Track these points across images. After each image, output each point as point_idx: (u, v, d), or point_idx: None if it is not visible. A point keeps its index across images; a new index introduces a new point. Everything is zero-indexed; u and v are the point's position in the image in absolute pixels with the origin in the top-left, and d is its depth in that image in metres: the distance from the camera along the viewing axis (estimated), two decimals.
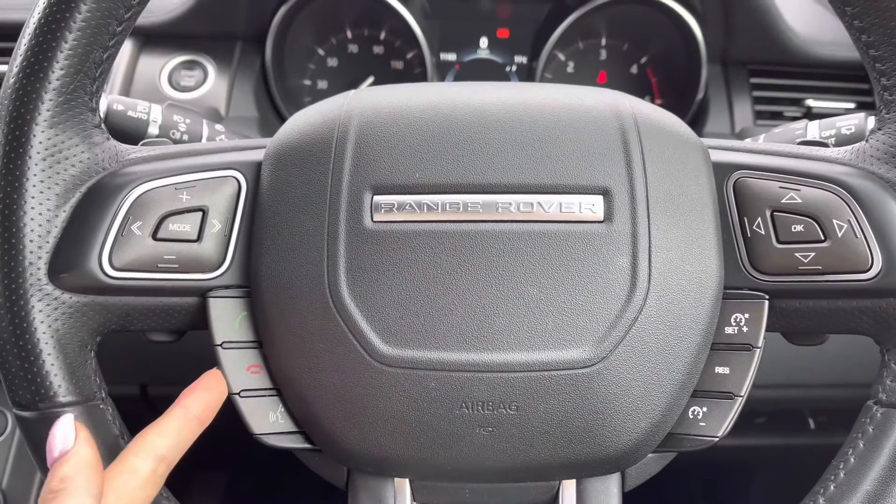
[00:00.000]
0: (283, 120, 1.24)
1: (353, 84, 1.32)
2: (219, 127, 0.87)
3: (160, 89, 1.15)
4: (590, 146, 0.61)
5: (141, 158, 0.63)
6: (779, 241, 0.61)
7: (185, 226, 0.61)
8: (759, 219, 0.62)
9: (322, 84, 1.34)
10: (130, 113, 0.82)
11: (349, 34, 1.33)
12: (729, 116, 1.19)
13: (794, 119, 1.21)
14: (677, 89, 1.29)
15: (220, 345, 0.62)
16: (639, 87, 1.33)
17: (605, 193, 0.60)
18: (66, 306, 0.59)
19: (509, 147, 0.61)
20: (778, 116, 1.21)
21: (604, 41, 1.33)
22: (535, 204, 0.60)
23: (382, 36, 1.33)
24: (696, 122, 1.22)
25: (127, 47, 1.16)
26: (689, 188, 0.62)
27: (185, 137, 0.84)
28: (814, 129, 0.83)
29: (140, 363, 1.04)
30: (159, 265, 0.60)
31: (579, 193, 0.60)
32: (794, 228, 0.61)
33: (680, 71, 1.27)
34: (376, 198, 0.60)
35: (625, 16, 1.24)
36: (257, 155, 0.63)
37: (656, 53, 1.31)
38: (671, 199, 0.61)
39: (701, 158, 0.64)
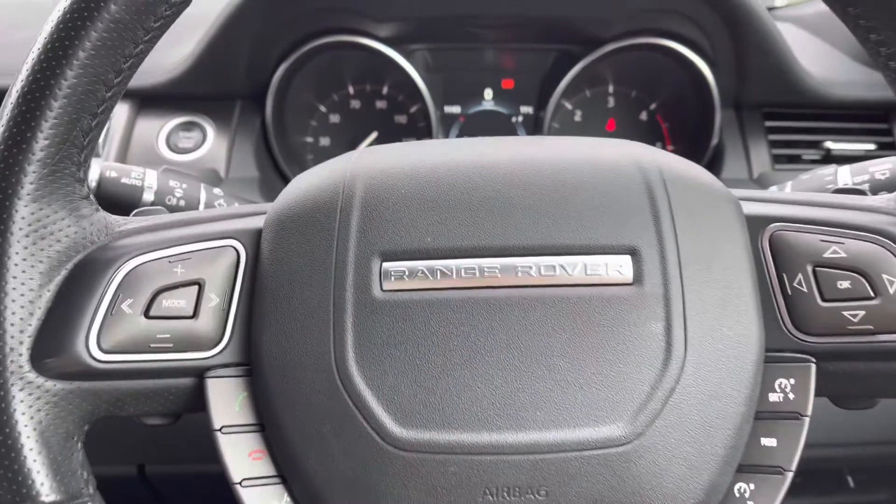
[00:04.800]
0: (285, 179, 1.21)
1: (356, 141, 1.29)
2: (217, 191, 0.84)
3: (158, 151, 1.12)
4: (614, 202, 0.57)
5: (132, 230, 0.59)
6: (824, 300, 0.56)
7: (179, 301, 0.57)
8: (801, 275, 0.57)
9: (324, 141, 1.31)
10: (124, 180, 0.78)
11: (351, 90, 1.30)
12: (746, 162, 1.15)
13: (813, 162, 1.18)
14: (690, 135, 1.26)
15: (220, 429, 0.57)
16: (649, 134, 1.30)
17: (633, 253, 0.55)
18: (51, 395, 0.54)
19: (527, 206, 0.57)
20: (796, 160, 1.17)
21: (611, 88, 1.30)
22: (557, 266, 0.55)
23: (385, 90, 1.30)
24: (712, 168, 1.18)
25: (124, 109, 1.13)
26: (723, 245, 0.57)
27: (182, 203, 0.81)
28: (845, 174, 0.78)
29: (137, 441, 0.99)
30: (152, 345, 0.55)
31: (605, 254, 0.55)
32: (840, 285, 0.56)
33: (691, 116, 1.24)
34: (385, 265, 0.56)
35: (632, 62, 1.22)
36: (257, 222, 0.59)
37: (666, 99, 1.28)
38: (704, 257, 0.56)
39: (733, 212, 0.59)
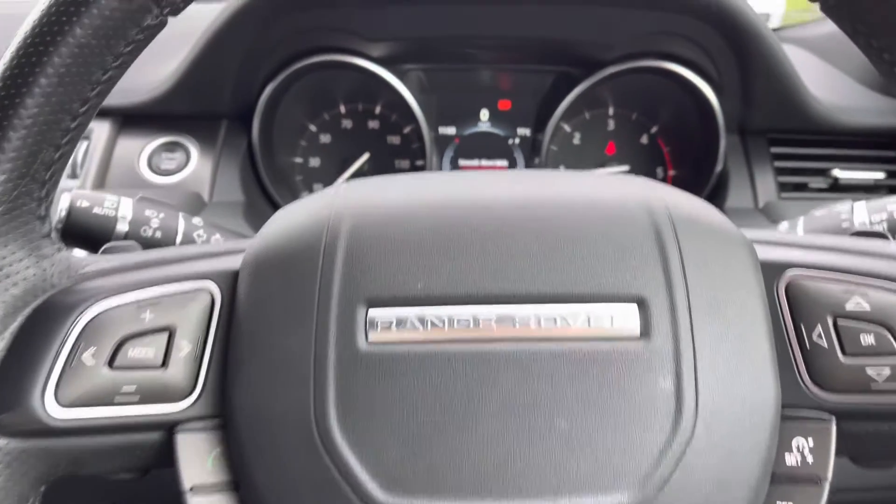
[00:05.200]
0: (272, 203, 1.17)
1: (348, 161, 1.25)
2: (196, 220, 0.79)
3: (139, 173, 1.07)
4: (619, 247, 0.52)
5: (97, 272, 0.54)
6: (845, 354, 0.52)
7: (147, 350, 0.52)
8: (820, 327, 0.53)
9: (314, 162, 1.27)
10: (96, 210, 0.74)
11: (342, 109, 1.26)
12: (751, 190, 1.11)
13: (820, 191, 1.14)
14: (692, 160, 1.22)
15: (191, 489, 0.52)
16: (650, 158, 1.26)
17: (641, 303, 0.51)
18: (3, 454, 0.49)
19: (526, 250, 0.52)
20: (803, 188, 1.13)
21: (611, 111, 1.26)
22: (558, 318, 0.51)
23: (378, 110, 1.26)
24: (716, 195, 1.14)
25: (104, 128, 1.08)
26: (737, 294, 0.53)
27: (158, 235, 0.76)
28: (861, 212, 0.74)
29: (105, 489, 0.94)
30: (117, 398, 0.51)
31: (610, 302, 0.51)
32: (864, 339, 0.51)
33: (694, 140, 1.20)
34: (372, 312, 0.51)
35: (633, 84, 1.18)
36: (233, 262, 0.54)
37: (667, 122, 1.24)
38: (717, 307, 0.52)
39: (747, 257, 0.55)
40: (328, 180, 1.25)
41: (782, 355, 0.53)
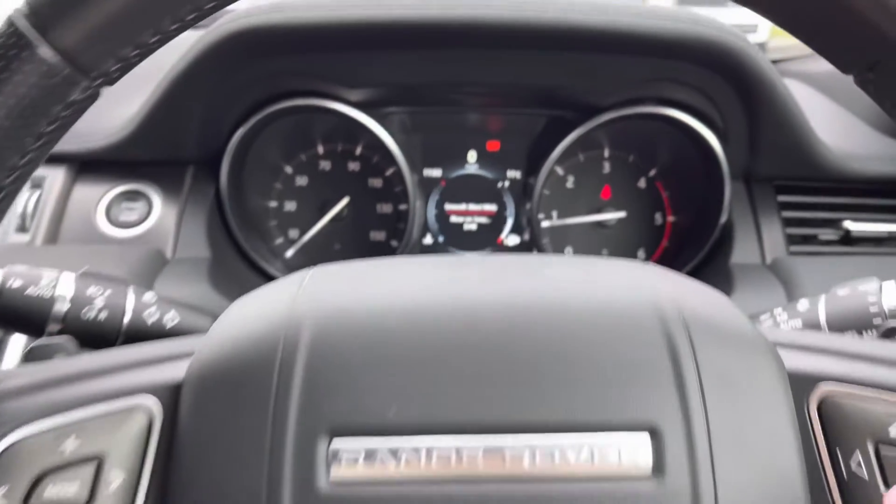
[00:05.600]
0: (241, 254, 1.08)
1: (326, 205, 1.17)
2: (149, 296, 0.70)
3: (96, 226, 0.98)
4: (627, 364, 0.44)
5: (12, 391, 0.46)
6: (889, 488, 0.44)
7: (70, 485, 0.43)
8: (859, 454, 0.45)
9: (290, 206, 1.18)
10: (31, 290, 0.65)
11: (321, 150, 1.18)
12: (757, 243, 1.03)
13: (830, 243, 1.06)
14: (693, 206, 1.14)
15: None
16: (648, 203, 1.18)
17: (653, 433, 0.43)
18: None
19: (517, 369, 0.44)
20: (812, 240, 1.06)
21: (607, 153, 1.18)
22: (556, 451, 0.42)
23: (358, 151, 1.18)
24: (720, 248, 1.06)
25: (58, 177, 0.99)
26: (763, 416, 0.45)
27: (103, 316, 0.67)
28: (891, 293, 0.67)
29: None
30: None
31: (617, 431, 0.43)
32: None
33: (695, 185, 1.12)
34: (335, 443, 0.43)
35: (630, 126, 1.10)
36: (177, 372, 0.46)
37: (667, 165, 1.17)
38: (740, 434, 0.44)
39: (775, 371, 0.47)
40: (305, 225, 1.17)
41: (816, 485, 0.45)
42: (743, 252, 1.03)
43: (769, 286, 0.95)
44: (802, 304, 0.70)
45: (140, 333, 0.69)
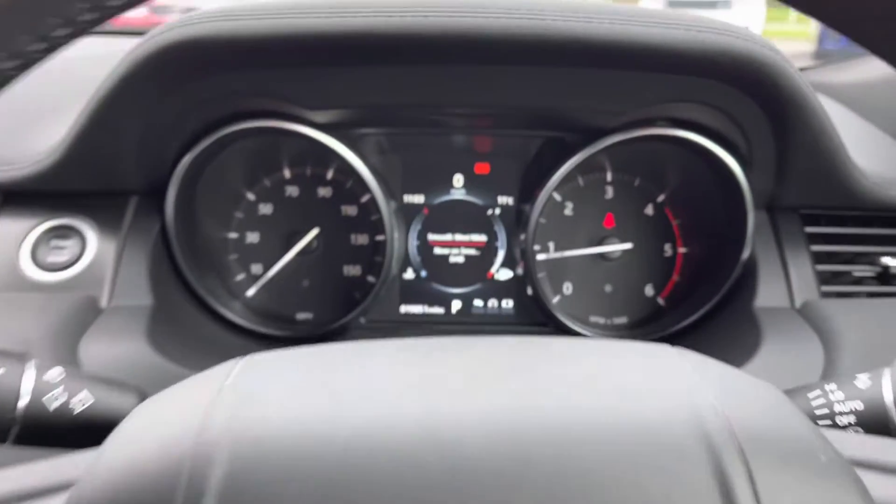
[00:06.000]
0: (190, 293, 0.94)
1: (293, 236, 1.03)
2: (53, 374, 0.56)
3: (19, 270, 0.84)
4: None
5: None
6: None
7: None
8: None
9: (252, 237, 1.04)
10: None
11: (287, 174, 1.04)
12: (784, 281, 0.90)
13: (865, 281, 0.93)
14: (708, 236, 1.01)
15: None
16: (656, 233, 1.05)
17: None
18: None
19: None
20: (845, 278, 0.93)
21: (609, 176, 1.05)
22: None
23: (330, 175, 1.04)
24: (742, 287, 0.93)
25: None
26: None
27: None
28: None
29: None
30: None
31: None
32: None
33: (710, 213, 0.99)
34: None
35: (636, 146, 0.97)
36: None
37: (677, 189, 1.03)
38: None
39: (857, 499, 0.34)
40: (269, 259, 1.03)
41: None
42: (769, 293, 0.89)
43: (802, 336, 0.82)
44: (862, 382, 0.57)
45: (41, 422, 0.55)
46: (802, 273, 0.91)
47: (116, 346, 0.75)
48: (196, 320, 0.91)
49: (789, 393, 0.58)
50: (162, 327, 0.81)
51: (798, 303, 0.88)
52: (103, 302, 0.83)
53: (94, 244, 0.86)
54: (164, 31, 0.72)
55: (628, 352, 0.42)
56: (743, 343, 0.83)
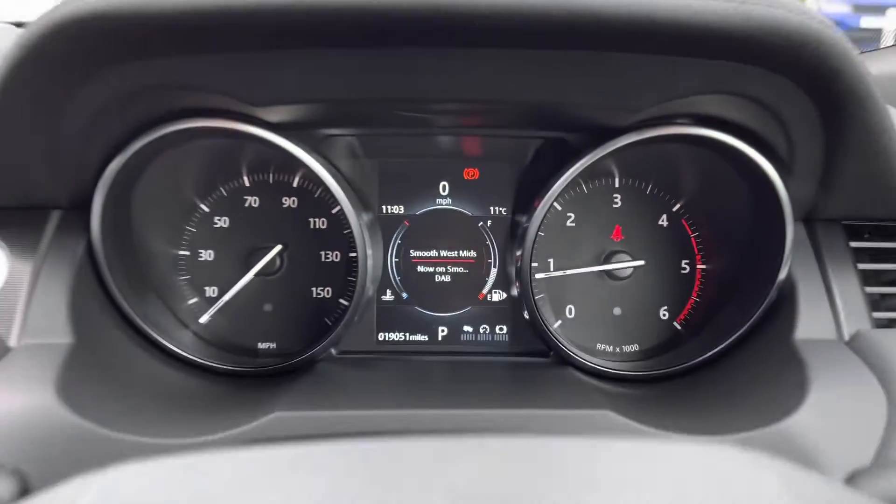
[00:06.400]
0: (131, 330, 0.79)
1: (254, 255, 0.89)
2: None
3: None
4: None
5: None
6: None
7: None
8: None
9: (206, 254, 0.90)
10: None
11: (246, 181, 0.90)
12: (829, 306, 0.76)
13: None
14: (732, 251, 0.87)
15: None
16: (672, 247, 0.91)
17: None
18: None
19: None
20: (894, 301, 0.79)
21: (618, 181, 0.91)
22: None
23: (295, 183, 0.90)
24: (778, 314, 0.79)
25: None
26: None
27: None
28: None
29: None
30: None
31: None
32: None
33: (737, 224, 0.85)
34: None
35: (648, 147, 0.82)
36: None
37: (697, 197, 0.90)
38: None
39: None
40: (226, 280, 0.89)
41: None
42: (812, 321, 0.75)
43: (857, 377, 0.67)
44: None
45: None
46: (850, 297, 0.77)
47: (16, 400, 0.60)
48: (130, 358, 0.76)
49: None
50: (80, 372, 0.66)
51: (847, 334, 0.74)
52: (12, 340, 0.68)
53: (4, 269, 0.72)
54: (57, 7, 0.57)
55: (671, 462, 0.28)
56: (784, 384, 0.69)
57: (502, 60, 0.64)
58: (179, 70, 0.64)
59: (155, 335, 0.80)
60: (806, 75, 0.61)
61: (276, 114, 0.73)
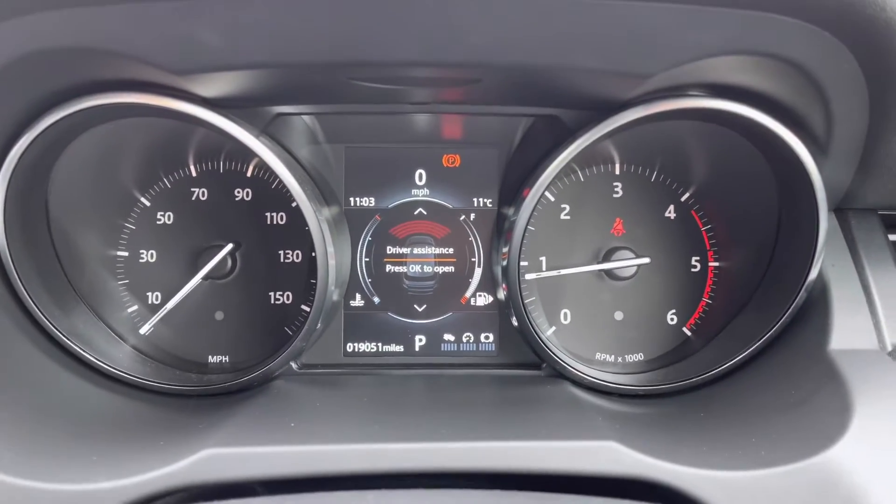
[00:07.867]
0: (50, 345, 0.68)
1: (203, 255, 0.78)
2: None
3: None
4: None
5: None
6: None
7: None
8: None
9: (147, 255, 0.79)
10: None
11: (193, 170, 0.79)
12: (869, 311, 0.65)
13: None
14: (749, 247, 0.77)
15: None
16: (680, 242, 0.81)
17: None
18: None
19: None
20: None
21: (618, 168, 0.80)
22: None
23: (250, 172, 0.79)
24: (807, 320, 0.68)
25: None
26: None
27: None
28: None
29: None
30: None
31: None
32: None
33: (756, 215, 0.75)
34: None
35: (652, 127, 0.71)
36: None
37: (709, 185, 0.79)
38: None
39: None
40: (171, 285, 0.78)
41: None
42: (848, 328, 0.65)
43: None
44: None
45: None
46: (892, 299, 0.66)
47: None
48: (50, 382, 0.65)
49: None
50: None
51: (890, 343, 0.64)
52: None
53: None
54: None
55: None
56: (821, 405, 0.58)
57: (485, 13, 0.52)
58: (68, 27, 0.51)
59: (80, 349, 0.69)
60: (857, 29, 0.49)
61: (208, 85, 0.61)
